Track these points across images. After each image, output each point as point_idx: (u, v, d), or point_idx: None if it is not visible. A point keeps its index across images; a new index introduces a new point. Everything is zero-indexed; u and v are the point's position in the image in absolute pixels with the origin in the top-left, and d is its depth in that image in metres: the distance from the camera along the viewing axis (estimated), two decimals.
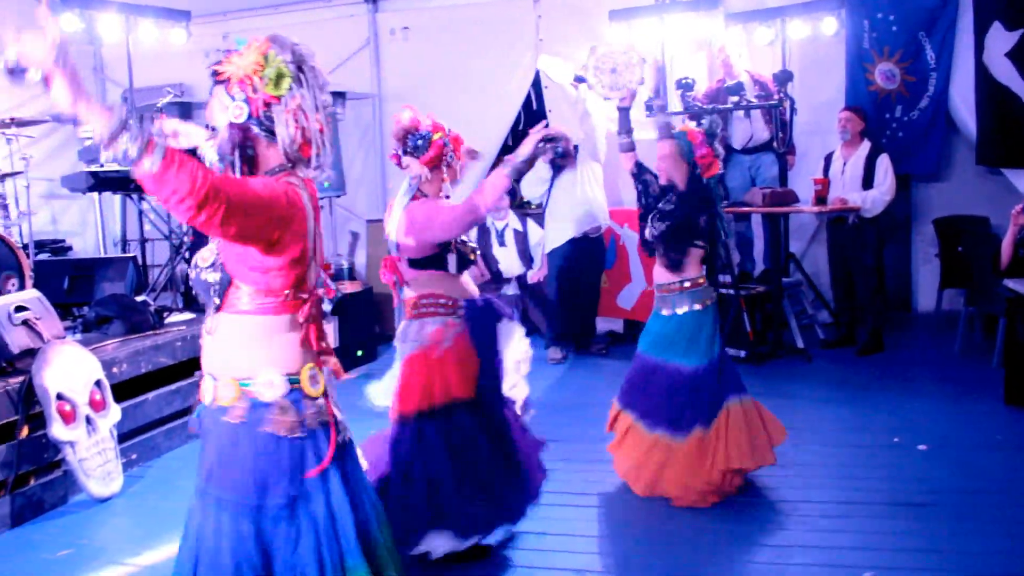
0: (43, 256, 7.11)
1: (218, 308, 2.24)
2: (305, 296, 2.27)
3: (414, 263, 3.47)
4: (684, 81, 6.91)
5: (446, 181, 3.52)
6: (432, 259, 3.45)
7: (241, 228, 2.02)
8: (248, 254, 2.14)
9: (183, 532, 2.27)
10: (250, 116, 2.17)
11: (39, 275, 5.80)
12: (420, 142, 3.47)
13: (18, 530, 4.15)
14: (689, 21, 7.30)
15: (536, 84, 7.97)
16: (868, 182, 6.68)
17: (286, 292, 2.22)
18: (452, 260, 3.48)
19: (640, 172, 4.33)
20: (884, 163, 6.65)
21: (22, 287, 5.34)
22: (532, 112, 7.97)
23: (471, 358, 3.45)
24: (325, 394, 2.34)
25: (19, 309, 4.52)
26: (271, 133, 2.20)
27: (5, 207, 5.96)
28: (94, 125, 1.82)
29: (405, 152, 3.51)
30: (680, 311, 4.14)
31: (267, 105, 2.17)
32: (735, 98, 6.91)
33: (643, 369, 4.25)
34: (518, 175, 3.12)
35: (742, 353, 6.64)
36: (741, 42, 7.48)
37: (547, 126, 3.28)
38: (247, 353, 2.22)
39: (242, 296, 2.20)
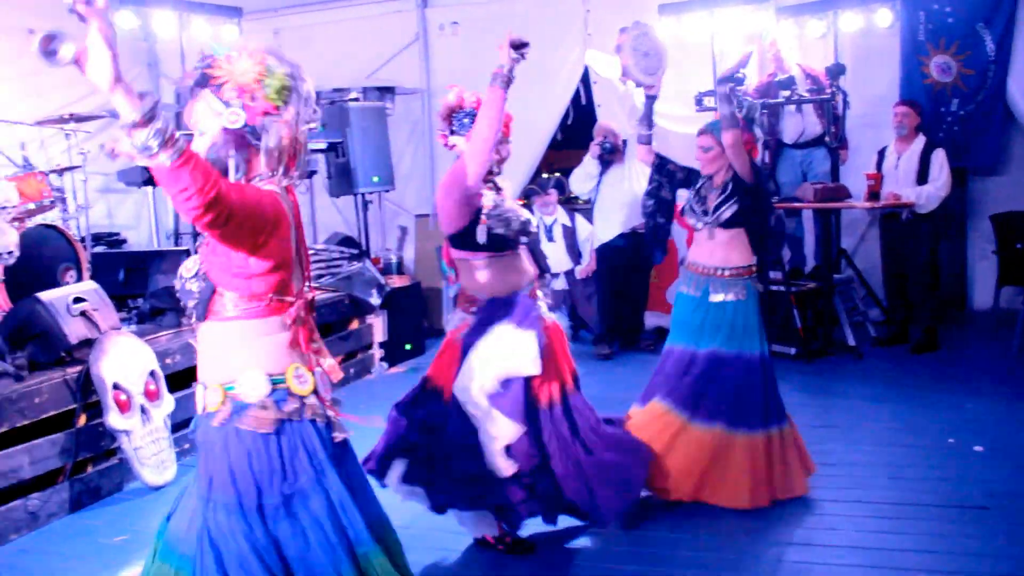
0: (99, 249, 7.25)
1: (204, 317, 2.24)
2: (291, 299, 2.28)
3: (452, 240, 3.51)
4: (734, 75, 6.83)
5: (494, 159, 3.46)
6: (466, 236, 3.42)
7: (236, 231, 2.05)
8: (231, 260, 2.15)
9: (198, 547, 2.21)
10: (245, 123, 2.20)
11: (96, 267, 5.92)
12: (466, 119, 3.46)
13: (76, 515, 4.25)
14: (739, 15, 7.23)
15: (585, 79, 7.95)
16: (923, 177, 6.56)
17: (269, 296, 2.23)
18: (482, 231, 3.40)
19: (663, 163, 4.30)
20: (940, 158, 6.53)
21: (80, 279, 5.46)
22: (581, 107, 7.95)
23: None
24: (316, 392, 2.33)
25: (77, 300, 4.62)
26: (259, 141, 2.23)
27: (63, 201, 6.08)
28: (124, 109, 1.83)
29: (452, 132, 3.51)
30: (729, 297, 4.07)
31: (265, 114, 2.20)
32: (786, 92, 6.83)
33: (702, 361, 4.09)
34: (507, 84, 3.27)
35: (792, 350, 6.57)
36: (792, 35, 7.39)
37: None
38: (230, 358, 2.24)
39: (226, 304, 2.21)
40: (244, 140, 2.21)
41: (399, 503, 3.48)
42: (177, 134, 1.86)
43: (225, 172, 2.20)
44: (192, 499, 2.28)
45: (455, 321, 3.58)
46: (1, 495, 4.04)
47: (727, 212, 4.04)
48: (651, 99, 4.36)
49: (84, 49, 1.86)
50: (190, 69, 2.23)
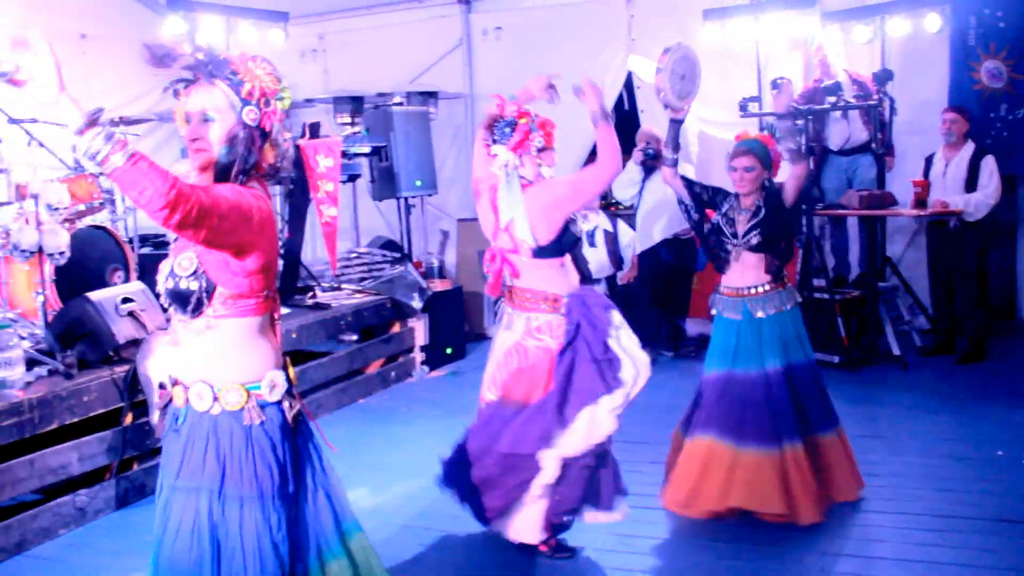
0: (146, 250, 7.36)
1: (198, 314, 2.25)
2: (274, 295, 2.36)
3: (542, 251, 3.53)
4: (779, 81, 6.77)
5: (543, 166, 3.58)
6: (555, 244, 3.54)
7: (212, 232, 2.09)
8: (228, 259, 2.21)
9: (189, 544, 2.24)
10: (258, 124, 2.28)
11: (143, 268, 6.01)
12: (506, 128, 3.53)
13: (122, 512, 4.32)
14: (784, 20, 7.17)
15: (628, 84, 7.93)
16: (971, 184, 6.45)
17: (264, 293, 2.30)
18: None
19: (691, 185, 4.23)
20: (989, 165, 6.42)
21: (127, 279, 5.54)
22: (624, 112, 7.93)
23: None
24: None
25: (125, 300, 4.69)
26: (265, 143, 2.32)
27: (112, 202, 6.17)
28: (70, 116, 1.93)
29: (494, 141, 3.57)
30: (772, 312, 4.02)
31: (271, 119, 2.30)
32: (832, 98, 6.76)
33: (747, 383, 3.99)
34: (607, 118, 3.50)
35: (836, 359, 6.49)
36: (838, 41, 7.31)
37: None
38: (249, 355, 2.30)
39: (225, 302, 2.25)
40: (255, 140, 2.28)
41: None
42: (124, 138, 1.97)
43: (231, 167, 2.25)
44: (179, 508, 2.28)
45: (515, 325, 3.60)
46: (50, 491, 4.12)
47: (755, 238, 3.99)
48: (676, 123, 4.25)
49: (24, 63, 1.97)
50: (185, 53, 2.25)
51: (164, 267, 2.31)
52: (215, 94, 2.25)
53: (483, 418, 3.63)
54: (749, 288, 4.03)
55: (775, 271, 4.03)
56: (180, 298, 2.25)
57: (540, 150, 3.54)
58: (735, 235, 4.03)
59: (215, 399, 2.26)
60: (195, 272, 2.23)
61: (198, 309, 2.24)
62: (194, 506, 2.23)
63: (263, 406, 2.29)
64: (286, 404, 2.34)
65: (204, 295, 2.23)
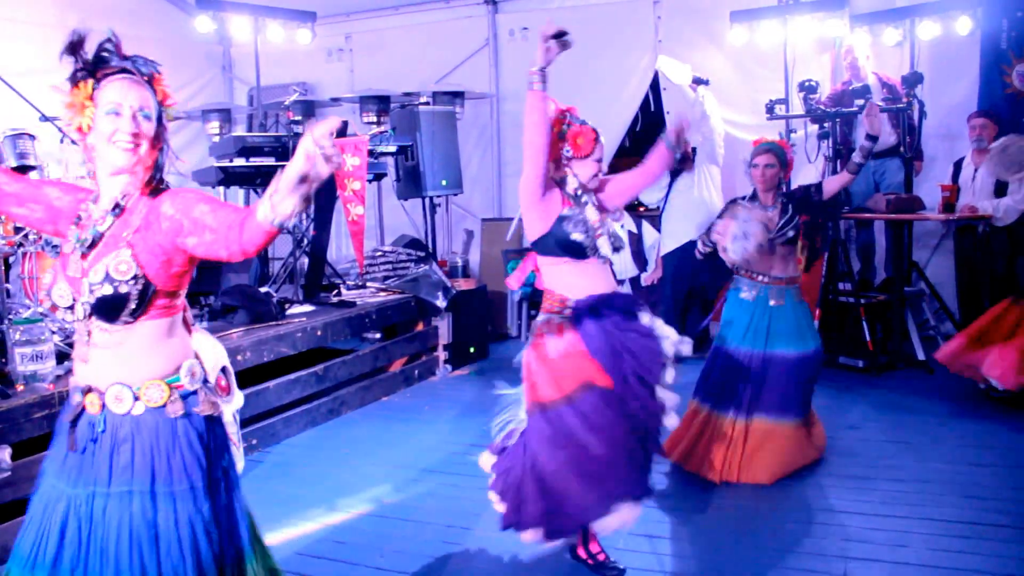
0: None
1: (134, 318, 2.19)
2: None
3: (535, 246, 3.49)
4: (807, 83, 6.75)
5: (598, 175, 3.55)
6: (545, 241, 3.45)
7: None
8: (174, 260, 2.19)
9: (129, 548, 2.18)
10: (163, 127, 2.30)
11: None
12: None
13: None
14: (813, 22, 7.13)
15: (655, 86, 7.91)
16: (1001, 190, 6.39)
17: (184, 290, 2.32)
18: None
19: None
20: None
21: None
22: (650, 114, 7.92)
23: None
24: None
25: None
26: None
27: None
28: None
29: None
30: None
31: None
32: (861, 101, 6.71)
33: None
34: (543, 82, 3.39)
35: (860, 363, 6.45)
36: (867, 43, 7.27)
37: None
38: (165, 352, 2.27)
39: (158, 302, 2.23)
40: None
41: None
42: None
43: (162, 168, 2.28)
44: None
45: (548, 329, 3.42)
46: None
47: (791, 231, 4.45)
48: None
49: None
50: (94, 39, 2.23)
51: (95, 272, 2.17)
52: (146, 92, 2.23)
53: (549, 425, 3.30)
54: (773, 277, 4.56)
55: (796, 267, 4.59)
56: (115, 304, 2.16)
57: (570, 159, 3.46)
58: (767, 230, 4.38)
59: (135, 399, 2.22)
60: (135, 275, 2.15)
61: (136, 313, 2.18)
62: (129, 510, 2.19)
63: (184, 396, 2.27)
64: (201, 394, 2.31)
65: (144, 298, 2.17)
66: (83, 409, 2.26)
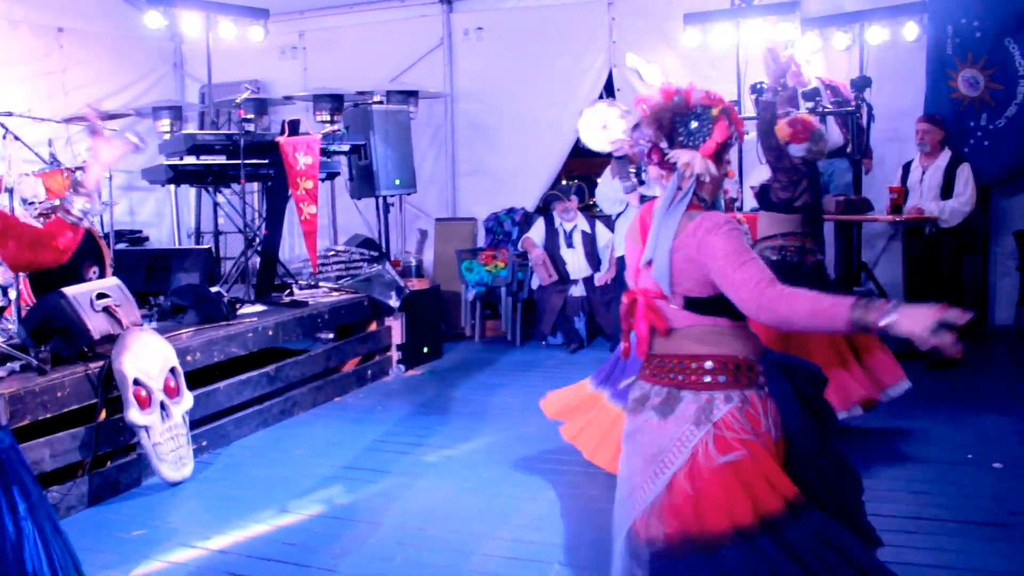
0: (122, 246, 7.32)
1: None
2: None
3: (695, 304, 2.35)
4: (759, 86, 6.83)
5: (729, 176, 2.51)
6: (722, 300, 2.31)
7: None
8: None
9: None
10: None
11: (118, 264, 5.98)
12: (693, 123, 2.36)
13: (95, 509, 4.28)
14: (765, 25, 7.22)
15: (609, 86, 7.96)
16: (947, 192, 6.53)
17: None
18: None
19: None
20: (965, 173, 6.49)
21: (102, 275, 5.51)
22: None
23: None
24: None
25: (100, 296, 4.66)
26: None
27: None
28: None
29: (672, 143, 2.38)
30: None
31: None
32: (810, 103, 6.81)
33: None
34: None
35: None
36: (816, 47, 7.37)
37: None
38: None
39: None
40: None
41: None
42: None
43: None
44: None
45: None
46: None
47: None
48: (620, 158, 4.53)
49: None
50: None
51: None
52: None
53: None
54: None
55: None
56: None
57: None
58: None
59: None
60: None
61: None
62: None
63: None
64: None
65: None
66: None
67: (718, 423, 2.25)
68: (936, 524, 3.85)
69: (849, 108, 6.70)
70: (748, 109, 7.09)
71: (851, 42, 7.32)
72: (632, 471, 2.35)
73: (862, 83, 6.75)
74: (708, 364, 2.31)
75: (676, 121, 2.36)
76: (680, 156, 2.34)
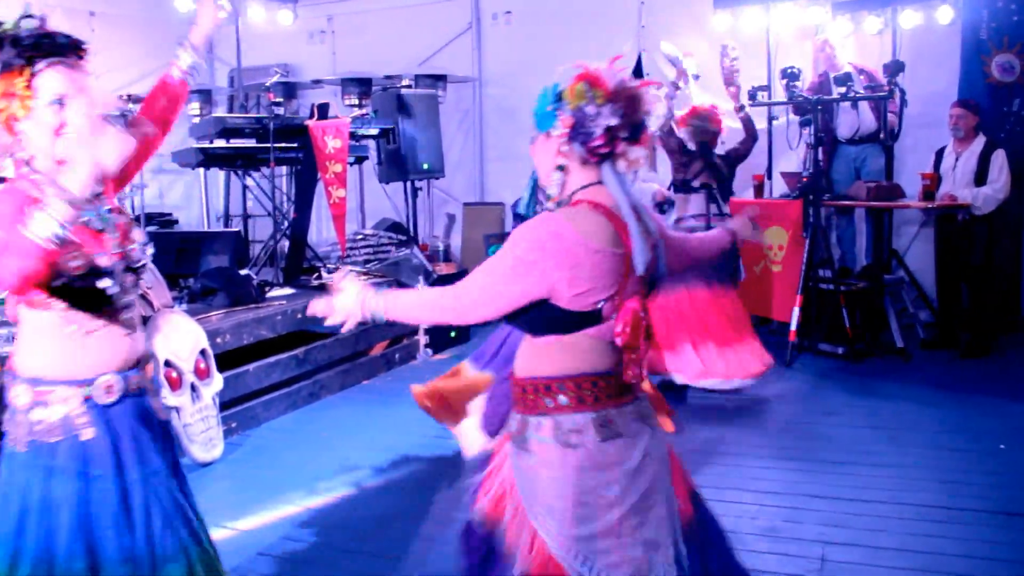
0: (152, 228, 7.37)
1: None
2: None
3: None
4: (789, 71, 6.76)
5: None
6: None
7: None
8: None
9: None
10: None
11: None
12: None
13: None
14: (795, 10, 7.15)
15: (637, 71, 7.90)
16: (981, 178, 6.43)
17: None
18: None
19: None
20: (999, 159, 6.39)
21: None
22: None
23: None
24: None
25: None
26: None
27: None
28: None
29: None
30: None
31: None
32: (842, 88, 6.73)
33: None
34: None
35: (840, 349, 6.49)
36: (847, 32, 7.28)
37: None
38: None
39: None
40: None
41: None
42: None
43: None
44: None
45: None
46: None
47: None
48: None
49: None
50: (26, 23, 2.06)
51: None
52: (91, 81, 2.15)
53: None
54: None
55: None
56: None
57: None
58: None
59: None
60: None
61: None
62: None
63: None
64: None
65: None
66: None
67: None
68: (968, 514, 3.82)
69: (882, 94, 6.61)
70: (779, 94, 7.02)
71: (883, 26, 7.22)
72: None
73: (895, 68, 6.65)
74: None
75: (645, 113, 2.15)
76: (634, 151, 2.12)
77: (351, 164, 7.08)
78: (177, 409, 4.45)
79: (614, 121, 2.04)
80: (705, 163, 5.59)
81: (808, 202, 6.55)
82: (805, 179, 6.62)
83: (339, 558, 3.60)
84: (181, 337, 4.64)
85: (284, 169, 7.79)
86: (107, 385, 2.16)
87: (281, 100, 7.52)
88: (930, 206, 6.51)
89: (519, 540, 2.11)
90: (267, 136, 6.33)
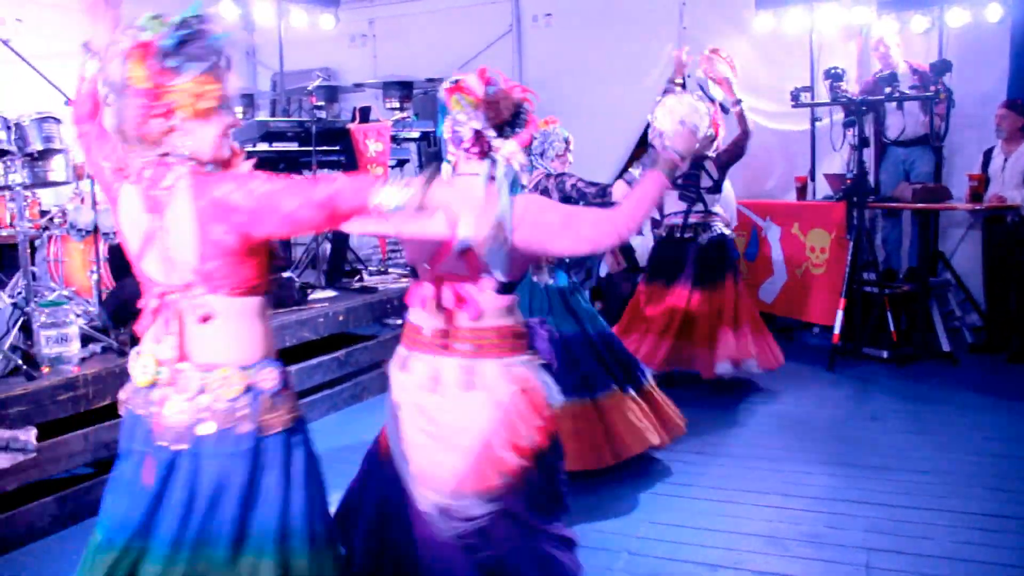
0: None
1: None
2: None
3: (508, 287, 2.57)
4: (833, 71, 6.68)
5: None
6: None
7: None
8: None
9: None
10: None
11: None
12: (521, 116, 2.63)
13: None
14: (840, 9, 7.07)
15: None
16: None
17: None
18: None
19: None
20: None
21: None
22: None
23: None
24: None
25: None
26: None
27: None
28: None
29: (501, 133, 2.57)
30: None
31: None
32: (888, 88, 6.64)
33: None
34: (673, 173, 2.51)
35: (884, 353, 6.41)
36: (894, 31, 7.19)
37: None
38: None
39: None
40: None
41: None
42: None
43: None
44: None
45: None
46: (103, 465, 4.20)
47: None
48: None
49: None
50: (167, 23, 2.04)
51: None
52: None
53: None
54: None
55: None
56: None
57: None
58: None
59: None
60: None
61: None
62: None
63: None
64: None
65: None
66: None
67: None
68: (1017, 522, 3.75)
69: (928, 94, 6.51)
70: (822, 95, 6.94)
71: (930, 25, 7.11)
72: None
73: (942, 68, 6.55)
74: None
75: (513, 113, 2.58)
76: (506, 145, 2.52)
77: (392, 167, 7.13)
78: None
79: (479, 125, 2.48)
80: (692, 163, 5.55)
81: (852, 204, 6.47)
82: (849, 181, 6.54)
83: None
84: None
85: (326, 172, 7.86)
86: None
87: (323, 104, 7.59)
88: (978, 207, 6.40)
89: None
90: (309, 140, 6.39)
